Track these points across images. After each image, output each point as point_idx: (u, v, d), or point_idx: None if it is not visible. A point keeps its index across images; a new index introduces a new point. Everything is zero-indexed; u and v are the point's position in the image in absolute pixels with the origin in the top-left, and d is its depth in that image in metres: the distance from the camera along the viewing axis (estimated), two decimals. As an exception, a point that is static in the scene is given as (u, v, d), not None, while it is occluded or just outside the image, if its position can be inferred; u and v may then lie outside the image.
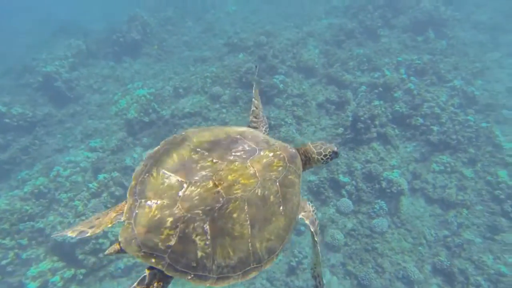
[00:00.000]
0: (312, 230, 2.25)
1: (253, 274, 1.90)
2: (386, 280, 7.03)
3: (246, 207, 1.85)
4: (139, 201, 1.80)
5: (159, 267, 1.70)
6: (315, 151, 2.50)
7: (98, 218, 1.95)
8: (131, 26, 14.35)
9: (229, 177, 1.88)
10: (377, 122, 8.60)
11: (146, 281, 1.75)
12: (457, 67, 10.90)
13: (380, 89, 9.80)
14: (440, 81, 10.40)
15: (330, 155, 2.51)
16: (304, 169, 2.48)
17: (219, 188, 1.83)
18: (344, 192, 7.97)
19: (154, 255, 1.70)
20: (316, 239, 2.24)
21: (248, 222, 1.84)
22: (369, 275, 7.00)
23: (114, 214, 1.92)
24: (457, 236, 7.49)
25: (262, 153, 2.10)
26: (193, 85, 11.11)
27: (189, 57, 13.88)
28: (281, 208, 1.98)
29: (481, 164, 8.38)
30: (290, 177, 2.11)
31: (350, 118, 8.85)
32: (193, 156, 1.98)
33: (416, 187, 8.23)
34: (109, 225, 1.89)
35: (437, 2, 12.97)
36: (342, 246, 7.37)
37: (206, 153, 2.00)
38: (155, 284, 1.75)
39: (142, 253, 1.69)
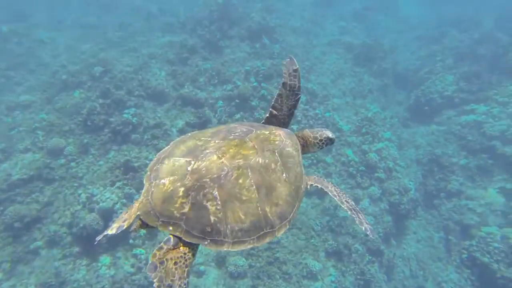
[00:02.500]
0: (324, 188, 2.48)
1: (268, 239, 2.00)
2: (295, 284, 7.38)
3: (250, 173, 2.03)
4: (154, 182, 2.03)
5: (177, 234, 1.87)
6: (312, 136, 2.69)
7: (127, 212, 2.07)
8: None
9: (231, 150, 2.12)
10: (244, 135, 8.88)
11: (172, 242, 1.88)
12: (293, 68, 12.50)
13: (237, 100, 10.20)
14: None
15: (325, 141, 2.68)
16: (302, 152, 2.61)
17: (222, 159, 2.05)
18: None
19: (171, 222, 1.89)
20: (335, 195, 2.47)
21: (254, 187, 2.00)
22: (279, 286, 7.17)
23: (137, 204, 2.04)
24: (335, 217, 8.61)
25: (258, 131, 2.36)
26: (18, 143, 8.73)
27: (-1, 106, 10.87)
28: (284, 175, 2.15)
29: (335, 149, 9.91)
30: (288, 149, 2.31)
31: (218, 137, 8.82)
32: (199, 143, 2.23)
33: (293, 185, 8.99)
34: (138, 213, 2.00)
35: (263, 13, 14.54)
36: (247, 270, 7.26)
37: (210, 139, 2.26)
38: (181, 248, 1.87)
39: (161, 222, 1.89)
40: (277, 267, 7.46)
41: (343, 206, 2.43)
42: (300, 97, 2.79)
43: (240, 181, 2.00)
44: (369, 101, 13.31)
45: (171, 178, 2.02)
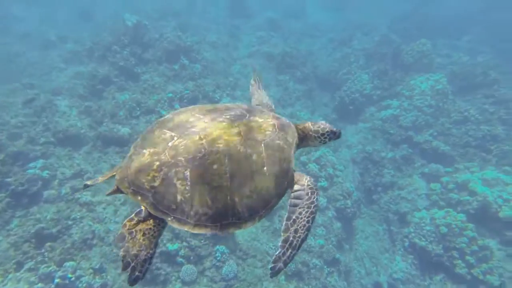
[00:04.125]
0: (289, 206, 2.27)
1: (232, 230, 1.99)
2: (260, 318, 7.04)
3: (226, 160, 1.99)
4: (137, 150, 2.14)
5: (144, 204, 1.97)
6: (313, 129, 2.57)
7: (111, 170, 2.25)
8: None
9: (214, 133, 2.08)
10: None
11: (143, 214, 1.99)
12: (219, 86, 12.26)
13: (166, 131, 9.49)
14: (212, 103, 11.33)
15: (328, 135, 2.57)
16: (301, 145, 2.59)
17: (203, 141, 2.04)
18: (180, 260, 7.23)
19: (140, 193, 1.97)
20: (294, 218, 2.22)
21: (228, 175, 1.97)
22: (245, 326, 6.76)
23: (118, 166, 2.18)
24: (288, 236, 8.53)
25: (252, 118, 2.28)
26: None
27: None
28: (264, 168, 2.07)
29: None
30: (278, 142, 2.21)
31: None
32: (190, 119, 2.22)
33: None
34: (115, 173, 2.14)
35: (178, 32, 13.99)
36: (208, 319, 6.68)
37: (202, 117, 2.23)
38: (151, 221, 1.98)
39: (131, 190, 1.99)
40: (239, 306, 7.03)
41: (283, 234, 2.17)
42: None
43: (215, 166, 1.98)
44: (298, 109, 13.75)
45: (152, 150, 2.06)
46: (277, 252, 2.10)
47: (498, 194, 9.51)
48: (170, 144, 2.06)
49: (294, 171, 2.35)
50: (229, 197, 1.96)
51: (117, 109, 10.20)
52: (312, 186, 2.35)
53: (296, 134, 2.46)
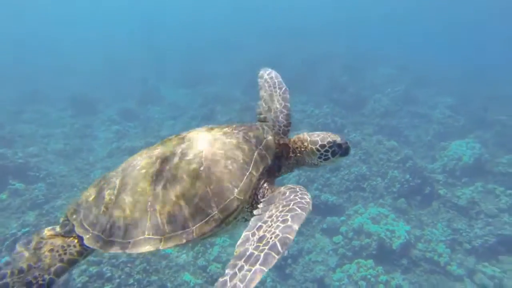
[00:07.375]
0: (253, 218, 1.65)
1: (145, 248, 1.61)
2: None
3: (157, 164, 1.83)
4: None
5: (74, 222, 1.82)
6: (309, 139, 2.19)
7: None
8: None
9: (161, 145, 2.00)
10: None
11: (66, 228, 1.83)
12: (75, 206, 10.04)
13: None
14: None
15: (330, 148, 2.10)
16: (298, 163, 2.22)
17: (146, 153, 1.96)
18: None
19: (77, 210, 1.86)
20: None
21: (154, 178, 1.76)
22: None
23: None
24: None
25: (209, 126, 2.13)
26: None
27: None
28: (201, 168, 1.77)
29: None
30: (229, 140, 1.93)
31: None
32: None
33: None
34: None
35: (1, 148, 11.27)
36: None
37: None
38: (70, 239, 1.76)
39: (72, 209, 1.88)
40: None
41: (236, 251, 1.49)
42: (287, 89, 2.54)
43: (143, 171, 1.81)
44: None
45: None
46: (221, 278, 1.36)
47: (385, 228, 10.57)
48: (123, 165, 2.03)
49: (264, 181, 1.91)
50: (149, 204, 1.68)
51: None
52: (292, 187, 1.79)
53: (269, 137, 2.08)
